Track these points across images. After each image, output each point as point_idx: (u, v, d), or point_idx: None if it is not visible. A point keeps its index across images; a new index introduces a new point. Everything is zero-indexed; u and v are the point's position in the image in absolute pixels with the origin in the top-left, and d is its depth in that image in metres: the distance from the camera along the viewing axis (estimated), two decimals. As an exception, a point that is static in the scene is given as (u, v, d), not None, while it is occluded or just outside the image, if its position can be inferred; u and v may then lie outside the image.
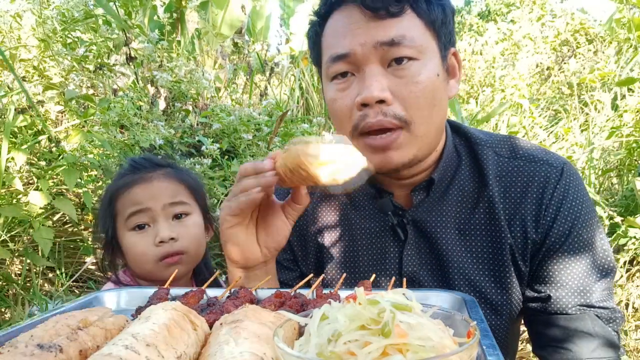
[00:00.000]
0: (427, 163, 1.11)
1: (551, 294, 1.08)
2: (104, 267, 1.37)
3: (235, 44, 4.44)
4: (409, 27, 0.99)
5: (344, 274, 1.02)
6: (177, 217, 1.29)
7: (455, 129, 1.20)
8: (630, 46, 4.14)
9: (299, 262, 1.25)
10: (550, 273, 1.08)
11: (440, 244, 1.11)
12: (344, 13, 1.02)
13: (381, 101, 0.97)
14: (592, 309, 1.07)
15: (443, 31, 1.04)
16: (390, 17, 0.97)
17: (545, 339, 1.11)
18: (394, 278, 0.96)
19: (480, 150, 1.15)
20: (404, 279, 0.94)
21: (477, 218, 1.11)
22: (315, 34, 1.10)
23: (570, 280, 1.07)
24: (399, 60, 0.98)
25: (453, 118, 3.03)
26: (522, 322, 1.22)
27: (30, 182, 2.71)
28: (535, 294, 1.11)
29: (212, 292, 0.93)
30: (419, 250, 1.13)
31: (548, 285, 1.09)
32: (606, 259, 1.08)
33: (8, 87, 2.45)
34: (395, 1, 0.97)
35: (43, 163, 2.64)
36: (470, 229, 1.11)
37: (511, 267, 1.09)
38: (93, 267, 2.79)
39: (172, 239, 1.25)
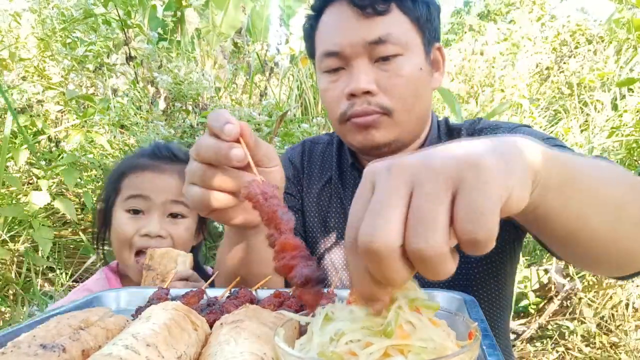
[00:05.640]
0: (410, 149, 1.18)
1: None
2: (97, 238, 1.38)
3: (235, 44, 4.43)
4: (395, 24, 1.08)
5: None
6: (173, 215, 1.28)
7: (446, 125, 1.29)
8: (630, 46, 4.14)
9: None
10: None
11: None
12: (335, 10, 1.12)
13: (367, 92, 1.07)
14: None
15: (427, 27, 1.13)
16: (377, 15, 1.06)
17: None
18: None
19: (457, 134, 1.25)
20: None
21: None
22: (310, 28, 1.20)
23: None
24: (385, 58, 1.08)
25: (453, 118, 3.02)
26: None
27: (30, 182, 2.71)
28: None
29: (212, 292, 0.93)
30: None
31: None
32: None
33: (8, 86, 2.44)
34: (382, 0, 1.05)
35: (43, 163, 2.64)
36: None
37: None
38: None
39: (159, 236, 1.24)
